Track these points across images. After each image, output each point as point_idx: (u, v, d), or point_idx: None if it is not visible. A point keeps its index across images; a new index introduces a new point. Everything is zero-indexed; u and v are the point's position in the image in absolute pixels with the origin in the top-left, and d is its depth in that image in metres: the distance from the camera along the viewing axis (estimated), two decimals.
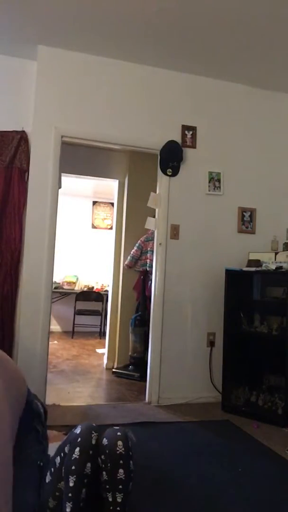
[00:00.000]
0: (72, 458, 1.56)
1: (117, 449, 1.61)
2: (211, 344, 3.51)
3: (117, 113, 3.47)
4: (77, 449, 1.57)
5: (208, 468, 2.28)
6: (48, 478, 1.66)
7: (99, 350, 5.58)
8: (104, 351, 5.05)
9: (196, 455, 2.46)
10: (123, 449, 1.62)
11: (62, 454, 1.62)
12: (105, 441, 1.65)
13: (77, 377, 4.25)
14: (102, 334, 6.50)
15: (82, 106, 3.40)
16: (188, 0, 2.67)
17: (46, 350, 3.26)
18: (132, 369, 4.34)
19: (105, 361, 4.78)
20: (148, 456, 2.44)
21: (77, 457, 1.55)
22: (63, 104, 3.35)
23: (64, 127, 3.34)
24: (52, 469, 1.65)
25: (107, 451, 1.61)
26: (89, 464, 1.55)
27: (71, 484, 1.52)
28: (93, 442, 1.60)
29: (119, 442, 1.63)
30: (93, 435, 1.61)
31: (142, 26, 2.98)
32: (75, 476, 1.53)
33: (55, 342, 5.94)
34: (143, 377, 3.83)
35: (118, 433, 1.68)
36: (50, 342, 3.39)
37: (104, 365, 4.73)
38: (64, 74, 3.37)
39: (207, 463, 2.36)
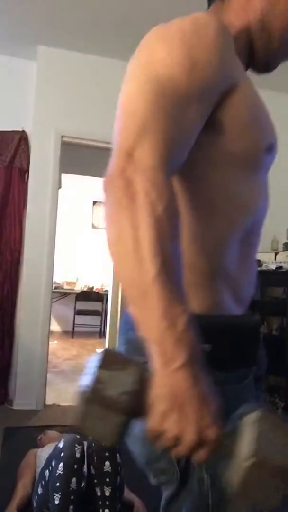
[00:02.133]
0: (56, 475, 1.52)
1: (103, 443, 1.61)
2: None
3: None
4: (61, 464, 1.53)
5: None
6: (40, 490, 1.65)
7: (99, 350, 5.57)
8: None
9: None
10: None
11: (50, 467, 1.59)
12: (84, 448, 1.63)
13: (77, 377, 4.25)
14: (102, 334, 6.50)
15: (82, 106, 3.40)
16: (188, 0, 2.68)
17: (46, 350, 3.26)
18: None
19: None
20: None
21: (61, 473, 1.52)
22: (63, 104, 3.35)
23: (64, 127, 3.34)
24: (43, 482, 1.63)
25: (93, 444, 1.60)
26: (74, 479, 1.51)
27: (56, 502, 1.48)
28: (77, 455, 1.56)
29: None
30: (76, 448, 1.57)
31: (142, 26, 2.98)
32: (60, 493, 1.49)
33: (55, 342, 5.94)
34: None
35: None
36: (50, 342, 3.39)
37: None
38: (64, 74, 3.37)
39: None
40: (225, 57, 0.65)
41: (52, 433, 2.19)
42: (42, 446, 2.04)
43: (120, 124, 0.65)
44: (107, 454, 1.59)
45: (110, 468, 1.57)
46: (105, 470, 1.57)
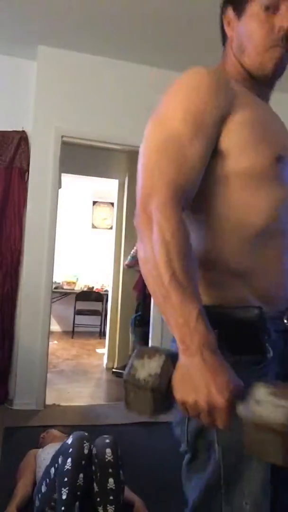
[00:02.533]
0: (64, 470, 1.53)
1: (106, 457, 1.59)
2: None
3: (117, 113, 3.47)
4: (69, 460, 1.54)
5: None
6: (43, 488, 1.65)
7: (99, 350, 5.58)
8: (104, 351, 5.05)
9: None
10: (111, 456, 1.59)
11: (56, 465, 1.60)
12: (94, 450, 1.63)
13: (77, 377, 4.25)
14: (102, 334, 6.50)
15: (82, 106, 3.40)
16: (188, 1, 2.68)
17: (46, 350, 3.26)
18: None
19: (105, 361, 4.78)
20: (147, 456, 2.44)
21: (69, 468, 1.53)
22: (63, 104, 3.35)
23: (64, 127, 3.34)
24: (47, 479, 1.63)
25: (96, 460, 1.59)
26: (81, 475, 1.52)
27: (63, 497, 1.49)
28: (85, 451, 1.57)
29: (108, 450, 1.61)
30: (85, 444, 1.59)
31: (142, 26, 2.98)
32: (67, 488, 1.50)
33: (55, 342, 5.94)
34: None
35: (107, 441, 1.66)
36: (50, 342, 3.39)
37: (104, 365, 4.73)
38: (64, 74, 3.37)
39: None
40: (216, 98, 0.85)
41: (55, 432, 2.19)
42: (45, 444, 2.04)
43: (141, 173, 0.83)
44: (110, 470, 1.57)
45: (114, 485, 1.55)
46: (108, 487, 1.55)
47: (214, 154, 0.86)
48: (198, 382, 0.69)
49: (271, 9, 0.90)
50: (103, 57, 3.43)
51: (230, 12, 0.98)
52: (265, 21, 0.91)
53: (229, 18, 0.99)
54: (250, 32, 0.93)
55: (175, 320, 0.72)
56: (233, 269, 0.88)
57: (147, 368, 0.73)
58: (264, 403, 0.65)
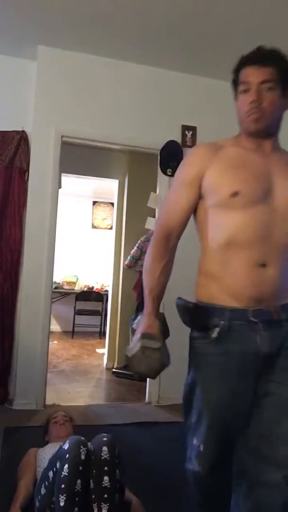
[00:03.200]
0: (62, 476, 1.52)
1: (102, 454, 1.58)
2: None
3: (117, 113, 3.47)
4: (66, 466, 1.53)
5: None
6: (43, 490, 1.64)
7: (99, 350, 5.58)
8: (104, 351, 5.05)
9: None
10: (108, 455, 1.58)
11: (54, 468, 1.59)
12: (91, 447, 1.62)
13: (77, 377, 4.25)
14: (102, 334, 6.49)
15: (82, 106, 3.39)
16: (188, 0, 2.67)
17: (46, 350, 3.26)
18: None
19: (105, 361, 4.78)
20: (147, 456, 2.44)
21: (66, 474, 1.51)
22: (63, 104, 3.35)
23: (64, 127, 3.34)
24: (46, 482, 1.62)
25: (92, 457, 1.58)
26: (79, 481, 1.51)
27: (61, 504, 1.48)
28: (82, 457, 1.55)
29: (104, 448, 1.60)
30: (81, 450, 1.57)
31: (142, 26, 2.98)
32: (65, 495, 1.48)
33: (55, 342, 5.94)
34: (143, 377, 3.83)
35: (104, 439, 1.65)
36: (50, 342, 3.39)
37: (104, 365, 4.73)
38: (64, 74, 3.37)
39: None
40: (194, 166, 1.37)
41: (62, 429, 2.15)
42: (49, 435, 2.04)
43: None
44: (106, 468, 1.56)
45: (109, 483, 1.53)
46: (103, 485, 1.53)
47: (201, 197, 1.38)
48: (141, 326, 1.39)
49: (246, 91, 1.34)
50: (103, 57, 3.43)
51: (235, 96, 1.43)
52: (243, 100, 1.35)
53: (235, 99, 1.43)
54: (238, 108, 1.38)
55: (146, 303, 1.41)
56: (209, 274, 1.35)
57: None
58: (149, 339, 1.32)
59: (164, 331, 1.39)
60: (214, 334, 1.29)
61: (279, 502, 1.23)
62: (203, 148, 1.40)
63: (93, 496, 1.52)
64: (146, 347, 1.29)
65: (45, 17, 2.93)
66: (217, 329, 1.29)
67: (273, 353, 1.29)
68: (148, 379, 3.49)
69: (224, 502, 1.39)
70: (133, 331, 1.41)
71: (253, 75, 1.32)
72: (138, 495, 1.85)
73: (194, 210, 1.39)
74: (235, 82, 1.42)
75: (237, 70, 1.42)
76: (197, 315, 1.33)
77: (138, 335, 1.33)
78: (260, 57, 1.34)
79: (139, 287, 4.58)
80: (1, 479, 2.02)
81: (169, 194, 1.46)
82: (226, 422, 1.31)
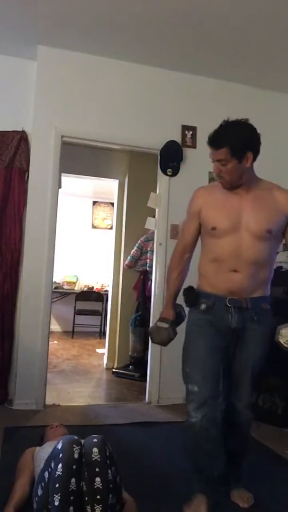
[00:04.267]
0: (56, 475, 1.52)
1: (93, 456, 1.58)
2: None
3: (117, 113, 3.47)
4: (60, 465, 1.53)
5: None
6: (40, 491, 1.64)
7: (99, 350, 5.58)
8: (104, 351, 5.05)
9: None
10: (98, 456, 1.58)
11: (49, 469, 1.59)
12: (83, 449, 1.62)
13: (77, 377, 4.25)
14: (102, 334, 6.50)
15: (82, 106, 3.40)
16: (188, 1, 2.67)
17: (46, 350, 3.26)
18: (132, 369, 4.34)
19: (105, 361, 4.78)
20: (147, 456, 2.44)
21: (60, 473, 1.52)
22: (63, 104, 3.35)
23: (64, 127, 3.34)
24: (43, 483, 1.62)
25: (84, 460, 1.58)
26: (73, 480, 1.51)
27: (56, 503, 1.48)
28: (76, 456, 1.56)
29: (95, 449, 1.60)
30: (74, 449, 1.58)
31: (142, 26, 2.98)
32: (59, 494, 1.49)
33: (55, 342, 5.94)
34: (143, 377, 3.83)
35: (94, 440, 1.64)
36: (50, 342, 3.39)
37: (104, 365, 4.73)
38: (64, 74, 3.37)
39: None
40: (194, 206, 2.00)
41: (58, 430, 2.16)
42: (47, 439, 2.04)
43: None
44: (97, 470, 1.56)
45: (101, 484, 1.53)
46: (95, 486, 1.53)
47: (201, 225, 1.99)
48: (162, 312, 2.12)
49: (212, 160, 1.87)
50: (103, 57, 3.43)
51: None
52: (214, 165, 1.87)
53: None
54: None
55: (166, 298, 2.13)
56: (203, 275, 2.00)
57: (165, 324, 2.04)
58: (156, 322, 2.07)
59: (178, 317, 2.06)
60: (202, 307, 1.94)
61: (238, 418, 2.00)
62: (201, 192, 2.03)
63: (86, 498, 1.52)
64: (159, 326, 2.03)
65: (45, 17, 2.93)
66: (204, 305, 1.94)
67: (240, 329, 1.91)
68: (148, 379, 3.51)
69: (216, 462, 1.90)
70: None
71: (212, 155, 1.86)
72: (138, 495, 1.85)
73: (199, 233, 2.03)
74: None
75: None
76: (191, 294, 2.00)
77: (158, 320, 2.09)
78: (215, 141, 1.83)
79: (139, 287, 4.58)
80: (1, 479, 2.02)
81: (183, 223, 2.11)
82: (207, 366, 1.90)
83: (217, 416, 1.86)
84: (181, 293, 2.04)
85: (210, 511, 1.84)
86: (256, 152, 1.85)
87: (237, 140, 1.80)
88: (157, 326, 2.02)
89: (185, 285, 2.05)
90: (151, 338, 2.09)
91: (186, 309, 2.06)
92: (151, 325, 2.16)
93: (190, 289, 1.99)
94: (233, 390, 1.98)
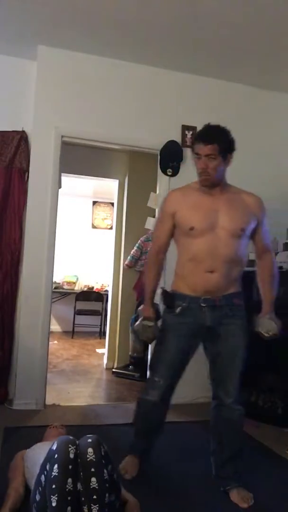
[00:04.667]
0: (52, 476, 1.51)
1: (88, 456, 1.57)
2: None
3: (117, 113, 3.47)
4: (55, 466, 1.53)
5: (208, 468, 2.28)
6: (37, 497, 1.63)
7: (99, 350, 5.58)
8: (104, 351, 5.05)
9: (196, 455, 2.46)
10: (93, 456, 1.57)
11: (45, 472, 1.58)
12: (78, 450, 1.61)
13: (77, 377, 4.25)
14: (102, 334, 6.50)
15: (82, 106, 3.39)
16: (188, 1, 2.67)
17: (46, 350, 3.26)
18: (132, 369, 4.34)
19: (105, 361, 4.78)
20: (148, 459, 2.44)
21: (56, 474, 1.51)
22: (63, 104, 3.35)
23: (64, 127, 3.34)
24: (40, 488, 1.61)
25: (79, 460, 1.57)
26: (70, 480, 1.50)
27: (53, 504, 1.47)
28: (71, 456, 1.56)
29: (89, 450, 1.59)
30: (70, 449, 1.57)
31: (142, 26, 2.98)
32: (56, 495, 1.48)
33: (55, 342, 5.94)
34: (143, 377, 3.83)
35: (89, 440, 1.64)
36: (50, 342, 3.39)
37: (104, 365, 4.73)
38: (64, 74, 3.37)
39: (207, 463, 2.36)
40: (169, 207, 2.11)
41: (53, 431, 2.17)
42: (45, 439, 2.04)
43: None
44: (92, 470, 1.55)
45: (97, 484, 1.52)
46: (91, 486, 1.52)
47: (175, 226, 2.10)
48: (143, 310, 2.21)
49: (198, 159, 2.00)
50: (103, 57, 3.43)
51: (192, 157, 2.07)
52: (197, 163, 2.02)
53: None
54: (196, 168, 2.05)
55: (146, 297, 2.20)
56: (180, 275, 2.12)
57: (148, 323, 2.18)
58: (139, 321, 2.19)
59: (157, 315, 2.18)
60: (177, 310, 2.07)
61: (229, 414, 2.10)
62: (175, 194, 2.15)
63: (83, 499, 1.52)
64: (144, 325, 2.14)
65: (45, 17, 2.93)
66: (179, 308, 2.06)
67: (214, 326, 2.06)
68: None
69: (156, 434, 2.24)
70: (137, 317, 2.39)
71: (201, 150, 1.98)
72: (138, 494, 1.85)
73: (172, 234, 2.13)
74: (193, 150, 2.05)
75: (193, 143, 2.06)
76: (168, 297, 2.13)
77: (141, 317, 2.17)
78: (208, 136, 1.97)
79: (139, 287, 4.57)
80: (1, 479, 2.02)
81: (155, 225, 2.25)
82: (175, 365, 2.12)
83: (169, 398, 2.19)
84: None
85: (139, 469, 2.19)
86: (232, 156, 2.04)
87: (224, 140, 1.99)
88: (142, 324, 2.14)
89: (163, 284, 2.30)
90: (138, 336, 2.24)
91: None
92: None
93: (166, 292, 2.14)
94: (221, 387, 2.10)
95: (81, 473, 1.55)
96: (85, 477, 1.54)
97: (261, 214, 2.12)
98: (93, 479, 1.53)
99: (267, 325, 2.10)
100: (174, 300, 2.09)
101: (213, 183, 2.02)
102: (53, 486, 1.50)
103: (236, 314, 2.08)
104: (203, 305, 2.02)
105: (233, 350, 2.09)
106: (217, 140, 1.95)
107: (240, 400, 2.11)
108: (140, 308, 2.29)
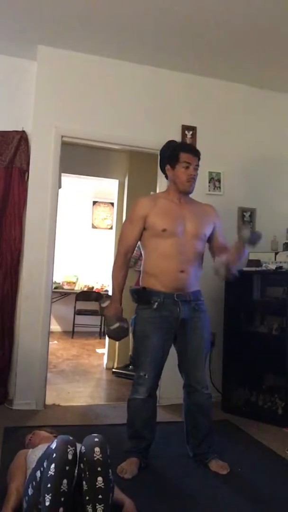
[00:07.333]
0: (48, 475, 1.51)
1: (95, 455, 1.57)
2: (211, 344, 3.49)
3: (117, 113, 3.47)
4: (52, 465, 1.52)
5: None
6: (30, 491, 1.62)
7: (99, 350, 5.58)
8: (104, 351, 5.05)
9: None
10: (100, 455, 1.57)
11: (41, 468, 1.57)
12: (82, 448, 1.61)
13: (77, 377, 4.25)
14: (102, 334, 6.49)
15: (82, 106, 3.39)
16: (188, 1, 2.67)
17: (46, 350, 3.26)
18: (132, 369, 4.33)
19: (105, 361, 4.78)
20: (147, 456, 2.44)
21: (53, 474, 1.50)
22: (63, 104, 3.35)
23: (64, 127, 3.34)
24: (34, 482, 1.60)
25: (85, 459, 1.57)
26: (65, 481, 1.49)
27: (47, 503, 1.46)
28: (69, 457, 1.54)
29: (97, 449, 1.59)
30: (69, 449, 1.56)
31: (142, 26, 2.98)
32: (50, 494, 1.47)
33: (55, 342, 5.94)
34: None
35: (96, 439, 1.63)
36: (50, 342, 3.39)
37: (104, 365, 4.73)
38: (64, 74, 3.37)
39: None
40: (140, 211, 2.34)
41: (42, 433, 2.17)
42: (32, 446, 2.03)
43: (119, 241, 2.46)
44: (99, 469, 1.55)
45: (103, 484, 1.52)
46: (97, 486, 1.52)
47: (145, 229, 2.32)
48: (106, 310, 2.35)
49: (187, 168, 2.31)
50: (103, 57, 3.43)
51: (168, 167, 2.37)
52: (184, 172, 2.31)
53: (168, 169, 2.37)
54: (176, 176, 2.34)
55: (113, 293, 2.38)
56: (150, 273, 2.32)
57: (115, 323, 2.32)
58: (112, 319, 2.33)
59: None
60: (155, 306, 2.28)
61: (201, 399, 2.36)
62: (146, 200, 2.38)
63: (87, 498, 1.51)
64: (121, 326, 2.30)
65: (45, 17, 2.93)
66: (156, 303, 2.27)
67: (186, 319, 2.30)
68: None
69: (151, 430, 2.34)
70: (102, 308, 2.39)
71: (193, 161, 2.32)
72: (137, 495, 1.85)
73: (141, 236, 2.35)
74: (173, 159, 2.33)
75: (178, 153, 2.33)
76: (144, 294, 2.32)
77: (114, 318, 2.31)
78: (195, 150, 2.40)
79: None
80: (1, 479, 2.02)
81: (123, 228, 2.43)
82: (158, 357, 2.30)
83: (155, 392, 2.36)
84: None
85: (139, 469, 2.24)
86: None
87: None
88: (119, 326, 2.29)
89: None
90: (113, 337, 2.40)
91: (132, 305, 2.42)
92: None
93: (142, 290, 2.32)
94: (191, 375, 2.36)
95: (87, 472, 1.54)
96: (91, 476, 1.53)
97: (217, 220, 2.47)
98: (100, 478, 1.53)
99: (245, 231, 2.30)
100: (151, 296, 2.28)
101: (192, 190, 2.37)
102: (48, 485, 1.49)
103: (201, 309, 2.37)
104: (177, 300, 2.27)
105: (200, 340, 2.35)
106: (199, 156, 2.37)
107: (207, 385, 2.40)
108: (105, 305, 2.35)
